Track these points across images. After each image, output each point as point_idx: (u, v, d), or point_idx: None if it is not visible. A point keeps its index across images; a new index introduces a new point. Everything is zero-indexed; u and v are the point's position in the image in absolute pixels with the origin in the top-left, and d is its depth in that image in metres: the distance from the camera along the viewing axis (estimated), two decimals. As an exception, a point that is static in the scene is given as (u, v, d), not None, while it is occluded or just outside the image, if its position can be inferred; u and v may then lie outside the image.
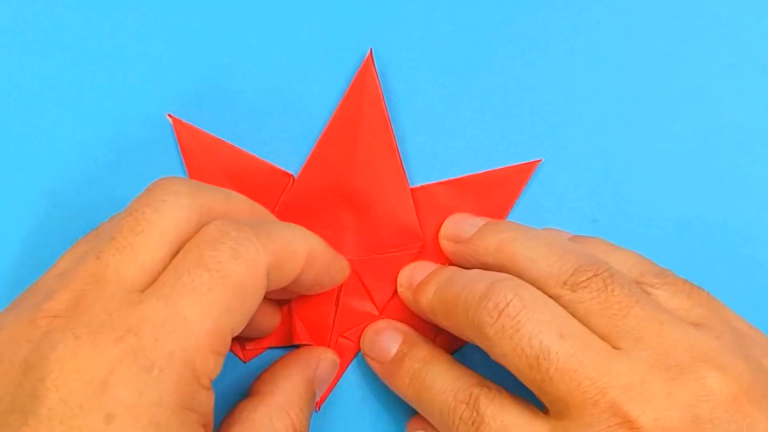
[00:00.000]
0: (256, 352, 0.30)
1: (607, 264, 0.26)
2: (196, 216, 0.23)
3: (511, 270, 0.27)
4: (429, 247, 0.30)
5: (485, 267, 0.28)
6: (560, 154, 0.31)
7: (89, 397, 0.20)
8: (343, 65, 0.30)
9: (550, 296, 0.25)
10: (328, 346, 0.30)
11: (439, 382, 0.27)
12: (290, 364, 0.28)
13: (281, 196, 0.30)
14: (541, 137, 0.31)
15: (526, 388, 0.25)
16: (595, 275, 0.25)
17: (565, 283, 0.25)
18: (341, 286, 0.30)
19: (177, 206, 0.23)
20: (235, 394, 0.29)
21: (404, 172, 0.30)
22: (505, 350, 0.24)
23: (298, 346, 0.30)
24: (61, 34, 0.30)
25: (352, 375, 0.30)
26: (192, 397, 0.21)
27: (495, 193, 0.31)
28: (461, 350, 0.30)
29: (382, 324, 0.30)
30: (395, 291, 0.30)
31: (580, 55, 0.31)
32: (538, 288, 0.26)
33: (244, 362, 0.30)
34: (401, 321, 0.30)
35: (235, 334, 0.23)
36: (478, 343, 0.26)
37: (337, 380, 0.30)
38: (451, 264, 0.30)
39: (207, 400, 0.22)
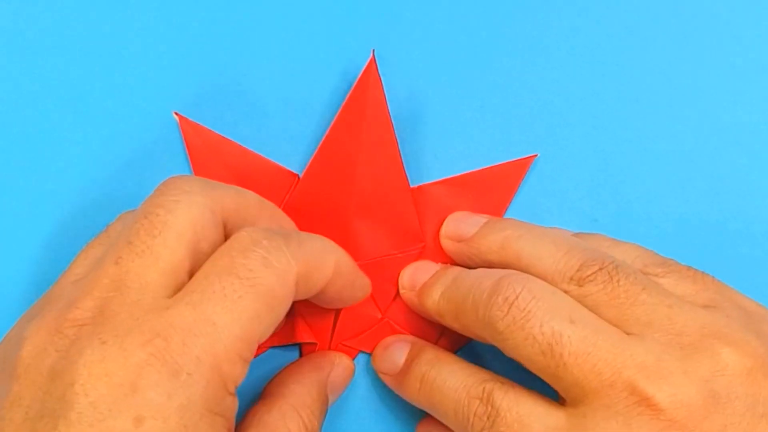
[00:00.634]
0: (259, 351, 0.30)
1: (612, 257, 0.26)
2: (210, 213, 0.23)
3: (516, 267, 0.27)
4: (429, 248, 0.30)
5: (489, 265, 0.28)
6: (560, 154, 0.31)
7: (118, 401, 0.20)
8: (346, 66, 0.31)
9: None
10: (329, 345, 0.30)
11: (451, 381, 0.27)
12: (303, 367, 0.29)
13: (286, 196, 0.30)
14: (542, 137, 0.31)
15: (538, 384, 0.25)
16: (601, 268, 0.25)
17: (571, 278, 0.25)
18: (342, 287, 0.30)
19: (191, 205, 0.23)
20: (240, 395, 0.30)
21: (405, 174, 0.30)
22: (517, 341, 0.24)
23: (299, 345, 0.30)
24: (66, 32, 0.30)
25: (358, 378, 0.30)
26: (219, 402, 0.21)
27: (493, 189, 0.31)
28: (470, 349, 0.30)
29: (390, 339, 0.30)
30: (397, 293, 0.30)
31: (581, 54, 0.31)
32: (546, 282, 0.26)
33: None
34: (404, 322, 0.30)
35: (262, 342, 0.23)
36: (490, 340, 0.26)
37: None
38: (453, 263, 0.30)
39: (232, 406, 0.22)
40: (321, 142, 0.30)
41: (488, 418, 0.25)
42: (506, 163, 0.31)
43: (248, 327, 0.22)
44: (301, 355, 0.30)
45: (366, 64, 0.29)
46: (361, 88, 0.29)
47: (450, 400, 0.26)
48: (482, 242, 0.28)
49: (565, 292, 0.25)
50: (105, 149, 0.30)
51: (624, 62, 0.31)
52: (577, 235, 0.29)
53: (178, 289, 0.22)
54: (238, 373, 0.22)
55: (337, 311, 0.30)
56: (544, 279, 0.26)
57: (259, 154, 0.30)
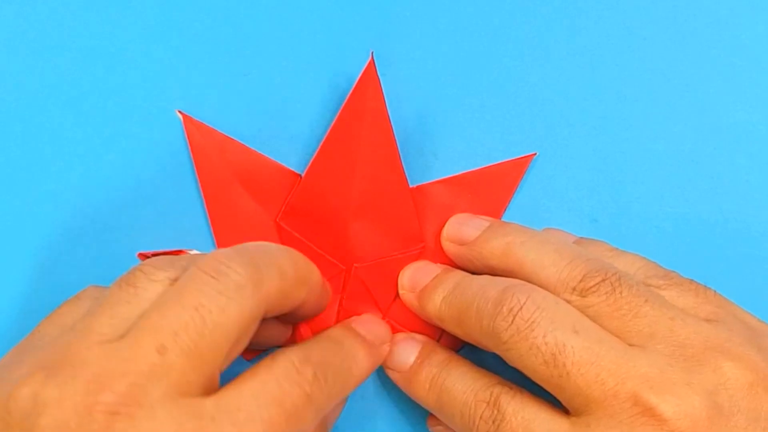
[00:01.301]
0: (259, 351, 0.30)
1: (615, 268, 0.26)
2: (258, 315, 0.23)
3: (519, 274, 0.27)
4: (429, 248, 0.30)
5: (491, 270, 0.28)
6: (560, 153, 0.31)
7: None
8: (346, 67, 0.31)
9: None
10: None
11: (459, 384, 0.27)
12: None
13: (288, 196, 0.30)
14: (542, 137, 0.31)
15: (545, 392, 0.25)
16: (604, 279, 0.25)
17: (574, 289, 0.25)
18: (344, 289, 0.30)
19: (243, 308, 0.22)
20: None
21: (405, 174, 0.30)
22: (521, 351, 0.24)
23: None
24: (68, 31, 0.30)
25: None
26: None
27: (492, 188, 0.31)
28: (474, 350, 0.30)
29: (400, 335, 0.30)
30: (398, 294, 0.30)
31: (581, 54, 0.31)
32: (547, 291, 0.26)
33: (247, 360, 0.30)
34: (405, 322, 0.30)
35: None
36: (493, 349, 0.26)
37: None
38: (453, 264, 0.30)
39: None
40: (321, 143, 0.30)
41: (494, 422, 0.25)
42: (505, 162, 0.31)
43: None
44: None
45: (365, 65, 0.29)
46: (361, 90, 0.29)
47: (458, 402, 0.27)
48: (484, 246, 0.28)
49: (568, 302, 0.25)
50: (107, 148, 0.30)
51: (624, 62, 0.31)
52: (579, 241, 0.29)
53: (212, 387, 0.22)
54: None
55: (339, 314, 0.30)
56: (546, 288, 0.26)
57: (262, 153, 0.30)
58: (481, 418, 0.25)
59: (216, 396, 0.22)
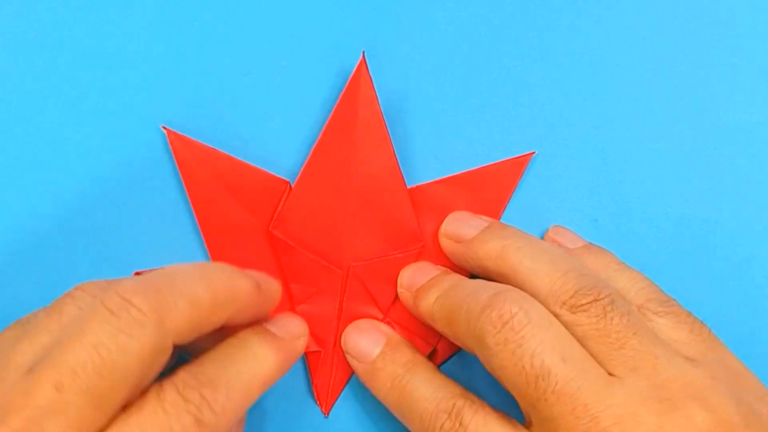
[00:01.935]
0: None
1: (609, 288, 0.26)
2: (162, 350, 0.22)
3: (512, 279, 0.27)
4: (429, 248, 0.30)
5: (485, 271, 0.28)
6: (560, 153, 0.31)
7: None
8: (338, 68, 0.30)
9: (549, 311, 0.25)
10: (332, 350, 0.30)
11: (423, 389, 0.27)
12: None
13: (279, 204, 0.30)
14: (541, 136, 0.31)
15: (505, 401, 0.25)
16: (596, 300, 0.25)
17: (564, 303, 0.25)
18: (344, 290, 0.30)
19: (143, 345, 0.22)
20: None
21: (401, 174, 0.29)
22: (504, 363, 0.24)
23: (304, 354, 0.30)
24: (51, 49, 0.30)
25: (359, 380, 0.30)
26: None
27: (491, 187, 0.30)
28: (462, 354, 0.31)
29: (364, 324, 0.30)
30: (398, 294, 0.30)
31: (580, 54, 0.31)
32: (539, 301, 0.26)
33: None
34: (405, 322, 0.30)
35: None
36: (476, 352, 0.26)
37: (344, 385, 0.30)
38: (451, 263, 0.30)
39: None
40: (314, 146, 0.29)
41: None
42: (504, 161, 0.30)
43: None
44: (305, 362, 0.30)
45: (356, 65, 0.29)
46: (353, 90, 0.29)
47: (418, 407, 0.27)
48: (481, 247, 0.28)
49: (557, 315, 0.25)
50: (93, 171, 0.30)
51: (624, 62, 0.31)
52: (585, 247, 0.29)
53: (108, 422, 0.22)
54: None
55: (339, 314, 0.30)
56: (537, 296, 0.26)
57: (250, 163, 0.30)
58: (441, 428, 0.26)
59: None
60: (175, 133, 0.29)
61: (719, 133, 0.31)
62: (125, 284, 0.22)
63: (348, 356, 0.30)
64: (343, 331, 0.30)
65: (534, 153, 0.30)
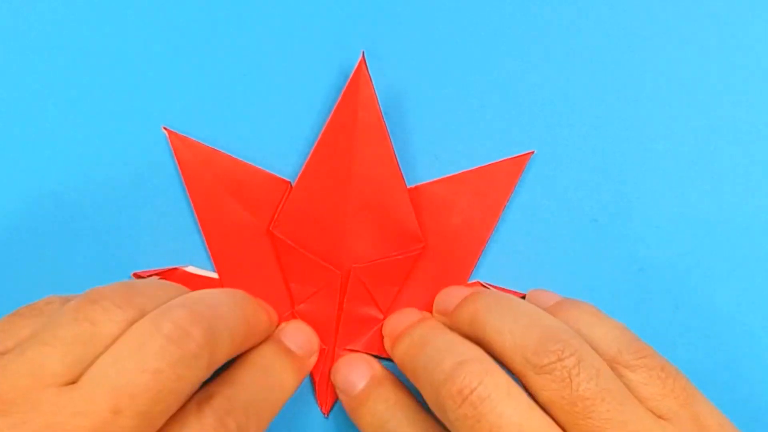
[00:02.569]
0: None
1: (575, 345, 0.25)
2: (208, 375, 0.24)
3: (483, 341, 0.27)
4: (429, 248, 0.30)
5: (467, 338, 0.28)
6: (559, 153, 0.30)
7: None
8: (338, 68, 0.30)
9: (516, 372, 0.25)
10: (333, 351, 0.30)
11: (403, 429, 0.27)
12: None
13: (279, 204, 0.30)
14: (541, 136, 0.30)
15: None
16: (559, 359, 0.24)
17: (528, 360, 0.25)
18: (344, 291, 0.30)
19: (197, 374, 0.23)
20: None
21: (402, 174, 0.30)
22: None
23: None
24: (51, 49, 0.30)
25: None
26: None
27: (490, 187, 0.30)
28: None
29: (354, 357, 0.30)
30: (398, 294, 0.30)
31: (580, 54, 0.30)
32: (505, 362, 0.26)
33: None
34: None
35: None
36: (439, 418, 0.26)
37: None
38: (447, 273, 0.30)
39: None
40: (314, 147, 0.29)
41: None
42: (503, 160, 0.30)
43: None
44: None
45: (356, 64, 0.29)
46: (352, 90, 0.29)
47: None
48: (458, 316, 0.28)
49: (522, 375, 0.25)
50: (94, 172, 0.30)
51: (624, 62, 0.30)
52: (560, 302, 0.29)
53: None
54: None
55: (339, 315, 0.30)
56: (504, 356, 0.25)
57: (250, 163, 0.30)
58: None
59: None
60: (176, 134, 0.30)
61: (719, 133, 0.30)
62: (178, 313, 0.23)
63: (336, 390, 0.30)
64: (343, 331, 0.30)
65: (533, 152, 0.30)
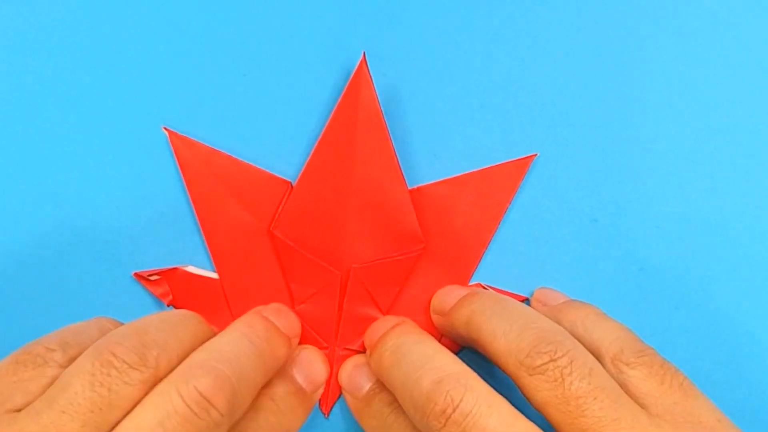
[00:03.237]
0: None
1: (567, 346, 0.25)
2: None
3: (478, 343, 0.27)
4: (430, 249, 0.30)
5: (462, 339, 0.29)
6: (560, 154, 0.31)
7: None
8: (338, 68, 0.30)
9: (510, 375, 0.25)
10: (333, 351, 0.30)
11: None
12: None
13: (280, 205, 0.30)
14: (542, 137, 0.30)
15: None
16: (552, 360, 0.24)
17: (522, 363, 0.25)
18: (344, 291, 0.30)
19: None
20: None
21: (402, 175, 0.30)
22: None
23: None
24: (51, 49, 0.30)
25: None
26: None
27: (492, 189, 0.30)
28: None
29: (361, 359, 0.30)
30: (399, 295, 0.31)
31: (580, 54, 0.30)
32: (500, 365, 0.26)
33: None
34: (406, 323, 0.31)
35: None
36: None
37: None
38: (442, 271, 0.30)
39: None
40: (314, 147, 0.29)
41: None
42: (506, 162, 0.30)
43: None
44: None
45: (357, 65, 0.29)
46: (353, 91, 0.29)
47: None
48: (455, 317, 0.28)
49: (516, 377, 0.25)
50: (94, 172, 0.30)
51: (624, 62, 0.30)
52: (566, 303, 0.29)
53: None
54: None
55: (339, 314, 0.30)
56: (499, 358, 0.26)
57: (251, 163, 0.30)
58: None
59: None
60: (176, 134, 0.30)
61: (719, 133, 0.30)
62: (202, 383, 0.23)
63: (343, 392, 0.30)
64: (344, 331, 0.30)
65: (536, 155, 0.30)
